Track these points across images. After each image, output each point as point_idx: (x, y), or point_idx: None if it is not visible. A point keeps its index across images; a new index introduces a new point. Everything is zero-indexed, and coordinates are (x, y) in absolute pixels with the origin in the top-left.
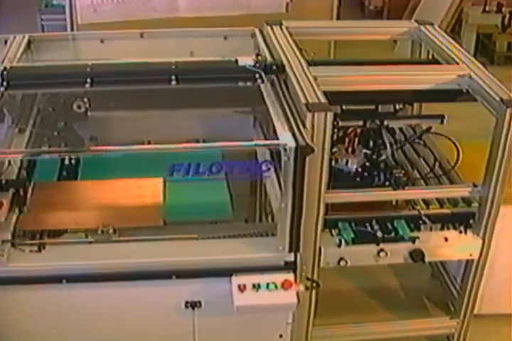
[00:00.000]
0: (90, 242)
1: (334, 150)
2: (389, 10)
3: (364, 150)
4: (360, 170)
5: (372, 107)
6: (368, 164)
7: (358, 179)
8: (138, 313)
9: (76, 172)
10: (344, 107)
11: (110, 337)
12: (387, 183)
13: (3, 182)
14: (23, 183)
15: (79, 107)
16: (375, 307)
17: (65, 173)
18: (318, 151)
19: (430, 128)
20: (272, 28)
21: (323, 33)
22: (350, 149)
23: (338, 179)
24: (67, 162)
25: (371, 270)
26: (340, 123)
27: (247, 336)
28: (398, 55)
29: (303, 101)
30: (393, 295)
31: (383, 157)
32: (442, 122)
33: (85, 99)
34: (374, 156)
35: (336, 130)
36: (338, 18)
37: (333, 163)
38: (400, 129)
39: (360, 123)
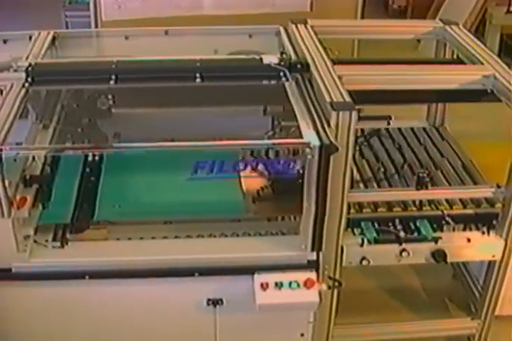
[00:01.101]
0: (117, 239)
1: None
2: (413, 9)
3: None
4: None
5: None
6: None
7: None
8: (159, 310)
9: (99, 168)
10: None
11: (131, 334)
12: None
13: (27, 177)
14: (47, 179)
15: (103, 104)
16: (396, 307)
17: (88, 170)
18: (342, 150)
19: (379, 130)
20: (296, 27)
21: (347, 32)
22: None
23: (280, 180)
24: (90, 158)
25: (392, 269)
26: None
27: (268, 334)
28: (422, 55)
29: (327, 99)
30: (414, 295)
31: None
32: (389, 123)
33: (109, 96)
34: None
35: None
36: (362, 17)
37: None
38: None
39: None
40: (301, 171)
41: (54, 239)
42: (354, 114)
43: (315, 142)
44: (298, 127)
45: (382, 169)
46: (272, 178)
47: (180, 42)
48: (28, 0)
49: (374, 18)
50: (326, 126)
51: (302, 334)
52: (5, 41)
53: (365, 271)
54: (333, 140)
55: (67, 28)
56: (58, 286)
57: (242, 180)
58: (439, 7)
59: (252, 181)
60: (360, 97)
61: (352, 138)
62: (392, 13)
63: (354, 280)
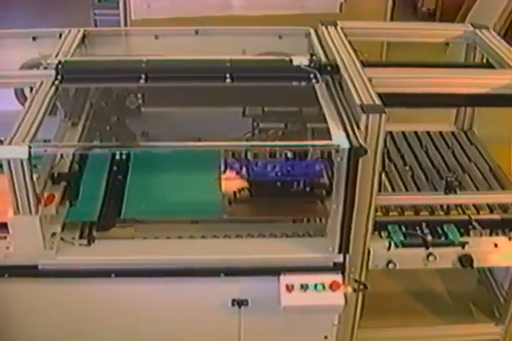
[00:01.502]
0: (144, 237)
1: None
2: (441, 12)
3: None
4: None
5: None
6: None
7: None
8: (184, 310)
9: (127, 167)
10: (266, 108)
11: (155, 333)
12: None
13: (55, 175)
14: (75, 176)
15: (132, 102)
16: (420, 311)
17: (115, 168)
18: (370, 153)
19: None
20: (326, 28)
21: (377, 34)
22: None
23: (257, 183)
24: (118, 157)
25: (417, 273)
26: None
27: (292, 336)
28: (450, 58)
29: (358, 102)
30: (439, 300)
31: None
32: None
33: (139, 95)
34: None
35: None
36: (391, 20)
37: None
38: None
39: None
40: (279, 174)
41: (80, 237)
42: (384, 116)
43: (344, 144)
44: (327, 129)
45: (409, 172)
46: (251, 181)
47: (210, 42)
48: None
49: (402, 20)
50: (355, 128)
51: (326, 337)
52: (34, 38)
53: (389, 273)
54: (362, 142)
55: (95, 26)
56: (84, 284)
57: (222, 181)
58: (468, 10)
59: (231, 183)
60: (390, 100)
61: (381, 141)
62: (421, 16)
63: (378, 283)
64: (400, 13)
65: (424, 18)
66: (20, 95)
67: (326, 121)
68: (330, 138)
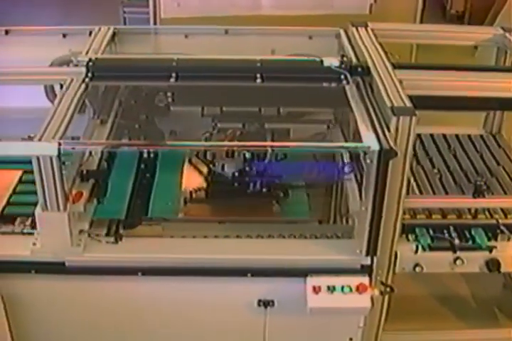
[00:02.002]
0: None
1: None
2: (470, 14)
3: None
4: (237, 174)
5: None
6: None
7: (235, 184)
8: (210, 309)
9: (154, 165)
10: (224, 108)
11: (180, 331)
12: (264, 190)
13: (84, 172)
14: (103, 174)
15: (161, 101)
16: (444, 315)
17: (143, 166)
18: (400, 155)
19: None
20: (357, 30)
21: (407, 36)
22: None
23: (215, 183)
24: (145, 155)
25: (442, 276)
26: (219, 125)
27: (317, 338)
28: (478, 62)
29: (388, 104)
30: (464, 304)
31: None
32: (329, 127)
33: (168, 94)
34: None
35: (214, 132)
36: (421, 22)
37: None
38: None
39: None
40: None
41: (107, 234)
42: (414, 119)
43: (374, 146)
44: (355, 131)
45: (437, 175)
46: (210, 181)
47: (239, 42)
48: None
49: (431, 22)
50: (385, 130)
51: (351, 339)
52: (64, 35)
53: (413, 276)
54: (392, 145)
55: (124, 24)
56: (110, 282)
57: (183, 180)
58: (498, 12)
59: (190, 182)
60: (420, 103)
61: (411, 144)
62: (450, 18)
63: (402, 286)
64: (428, 15)
65: (452, 20)
66: (50, 92)
67: (356, 123)
68: (358, 140)
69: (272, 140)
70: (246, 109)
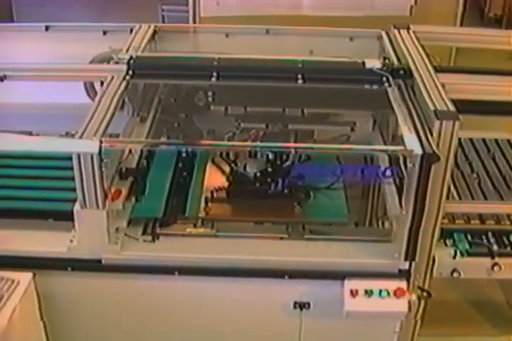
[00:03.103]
0: (216, 235)
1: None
2: (508, 18)
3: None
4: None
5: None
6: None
7: (257, 184)
8: (245, 310)
9: (192, 164)
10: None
11: (214, 331)
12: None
13: (123, 170)
14: (142, 172)
15: (200, 100)
16: (478, 321)
17: (181, 164)
18: (442, 160)
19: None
20: (399, 32)
21: (448, 39)
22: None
23: (237, 183)
24: (184, 154)
25: (477, 282)
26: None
27: None
28: None
29: (431, 108)
30: (497, 310)
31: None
32: (353, 129)
33: (207, 93)
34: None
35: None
36: (461, 25)
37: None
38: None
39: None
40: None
41: (143, 233)
42: (457, 123)
43: (417, 150)
44: (395, 134)
45: (476, 180)
46: (231, 181)
47: (278, 42)
48: None
49: (469, 25)
50: (428, 134)
51: None
52: (104, 32)
53: (448, 281)
54: (435, 149)
55: (163, 22)
56: (146, 280)
57: (205, 179)
58: None
59: (211, 182)
60: (463, 107)
61: (453, 148)
62: (488, 21)
63: (438, 291)
64: (466, 17)
65: (490, 23)
66: (90, 89)
67: (398, 126)
68: (399, 144)
69: (295, 141)
70: (275, 109)
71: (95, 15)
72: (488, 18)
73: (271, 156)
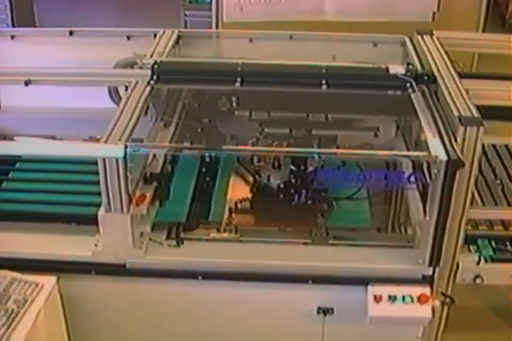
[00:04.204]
0: (240, 241)
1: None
2: None
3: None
4: (283, 186)
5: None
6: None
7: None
8: (269, 315)
9: (216, 169)
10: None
11: (238, 336)
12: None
13: (148, 175)
14: (167, 177)
15: (224, 105)
16: (501, 327)
17: (204, 169)
18: (467, 166)
19: None
20: (422, 37)
21: (472, 45)
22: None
23: (261, 194)
24: (207, 159)
25: (497, 287)
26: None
27: None
28: None
29: (455, 114)
30: None
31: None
32: (376, 135)
33: (232, 98)
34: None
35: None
36: (483, 31)
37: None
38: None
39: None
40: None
41: (167, 237)
42: (482, 129)
43: (442, 156)
44: (418, 139)
45: (500, 186)
46: (255, 191)
47: (301, 47)
48: None
49: (490, 31)
50: (452, 140)
51: None
52: (128, 37)
53: (471, 287)
54: (460, 155)
55: (185, 27)
56: (171, 285)
57: (229, 189)
58: None
59: (235, 192)
60: (487, 113)
61: (478, 154)
62: (508, 27)
63: (460, 297)
64: (487, 24)
65: (511, 29)
66: (114, 93)
67: (423, 132)
68: (423, 149)
69: (319, 146)
70: (299, 115)
71: (116, 20)
72: (509, 24)
73: (293, 167)
